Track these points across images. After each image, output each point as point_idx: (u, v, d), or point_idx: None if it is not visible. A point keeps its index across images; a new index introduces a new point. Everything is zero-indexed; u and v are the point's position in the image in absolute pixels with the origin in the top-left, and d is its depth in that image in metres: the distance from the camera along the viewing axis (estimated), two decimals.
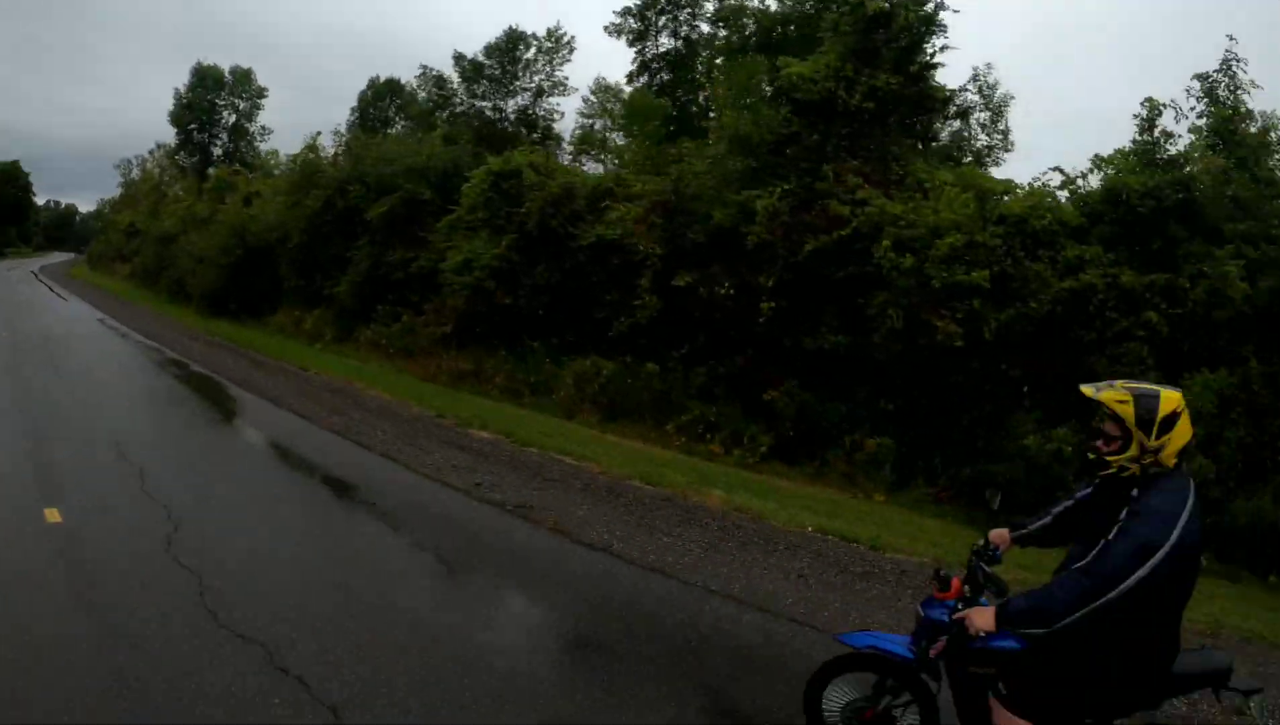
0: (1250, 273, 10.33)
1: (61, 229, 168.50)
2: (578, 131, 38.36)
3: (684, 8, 32.43)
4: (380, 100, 58.00)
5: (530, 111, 43.38)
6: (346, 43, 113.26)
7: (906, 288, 11.26)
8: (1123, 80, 63.38)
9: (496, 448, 10.04)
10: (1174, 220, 11.16)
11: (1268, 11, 40.31)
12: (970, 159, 20.99)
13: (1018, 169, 34.03)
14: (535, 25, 60.86)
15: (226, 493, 7.77)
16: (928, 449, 11.39)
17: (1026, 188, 12.77)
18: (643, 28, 33.93)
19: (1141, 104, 13.35)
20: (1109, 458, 2.78)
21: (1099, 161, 13.39)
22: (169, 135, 55.26)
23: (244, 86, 52.31)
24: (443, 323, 16.35)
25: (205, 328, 22.27)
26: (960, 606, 3.07)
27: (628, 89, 33.63)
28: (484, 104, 49.60)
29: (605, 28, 34.41)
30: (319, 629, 4.74)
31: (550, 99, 49.40)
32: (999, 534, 3.42)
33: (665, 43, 33.26)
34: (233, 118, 52.49)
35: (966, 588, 3.16)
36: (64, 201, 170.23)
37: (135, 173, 75.20)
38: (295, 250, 23.40)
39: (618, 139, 30.96)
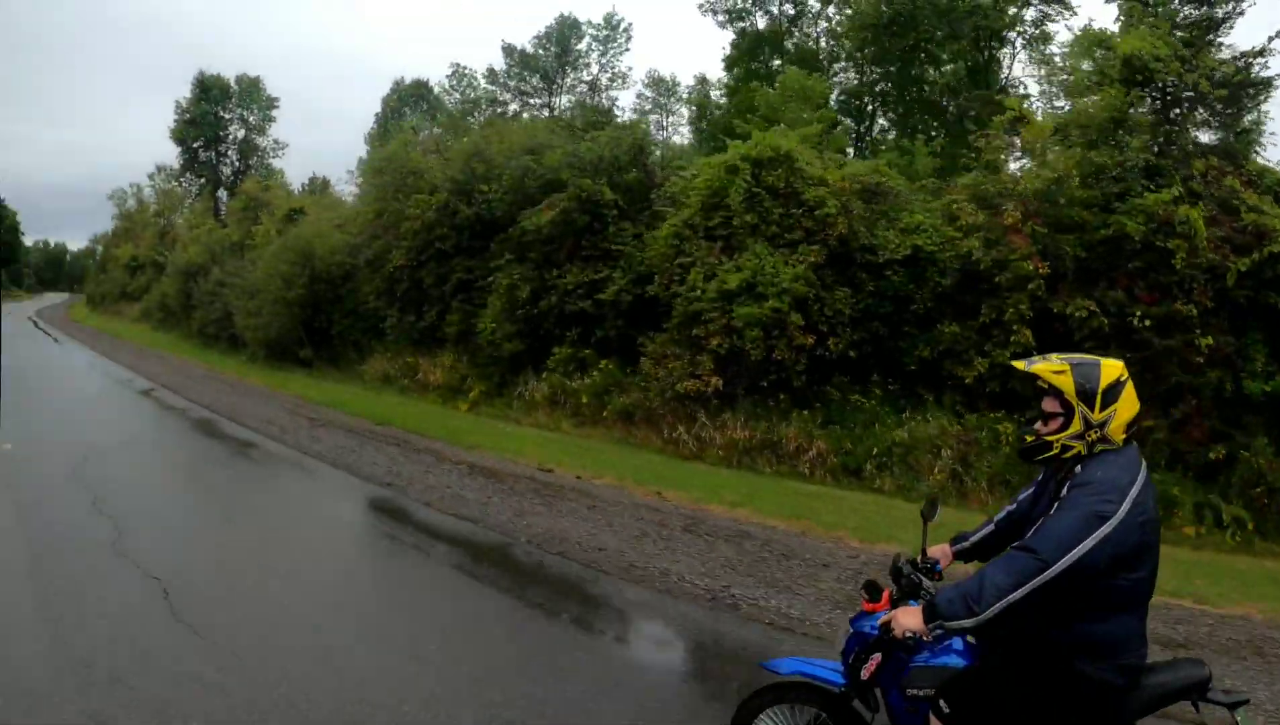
0: None
1: (53, 269, 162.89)
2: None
3: None
4: (404, 106, 52.81)
5: (589, 105, 38.31)
6: (340, 59, 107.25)
7: None
8: None
9: None
10: None
11: None
12: None
13: None
14: (587, 11, 55.34)
15: None
16: None
17: None
18: (743, 6, 29.46)
19: None
20: (1049, 438, 2.53)
21: None
22: (158, 164, 49.80)
23: (252, 97, 46.48)
24: (697, 372, 10.76)
25: (293, 389, 16.76)
26: None
27: (722, 75, 30.88)
28: (535, 101, 44.29)
29: (699, 6, 30.35)
30: None
31: (610, 92, 44.43)
32: (939, 549, 3.04)
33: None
34: (241, 132, 46.61)
35: (897, 596, 2.81)
36: (53, 241, 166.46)
37: (131, 203, 69.57)
38: (394, 276, 17.83)
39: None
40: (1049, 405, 2.52)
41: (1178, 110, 11.30)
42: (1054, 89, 16.43)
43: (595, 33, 44.95)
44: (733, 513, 8.01)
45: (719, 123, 26.13)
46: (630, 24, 42.84)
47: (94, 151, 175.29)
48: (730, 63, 29.81)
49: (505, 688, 4.27)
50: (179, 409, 14.04)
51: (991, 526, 2.97)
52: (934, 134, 22.71)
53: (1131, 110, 10.76)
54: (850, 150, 22.50)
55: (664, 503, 8.33)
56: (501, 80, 45.54)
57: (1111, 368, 2.48)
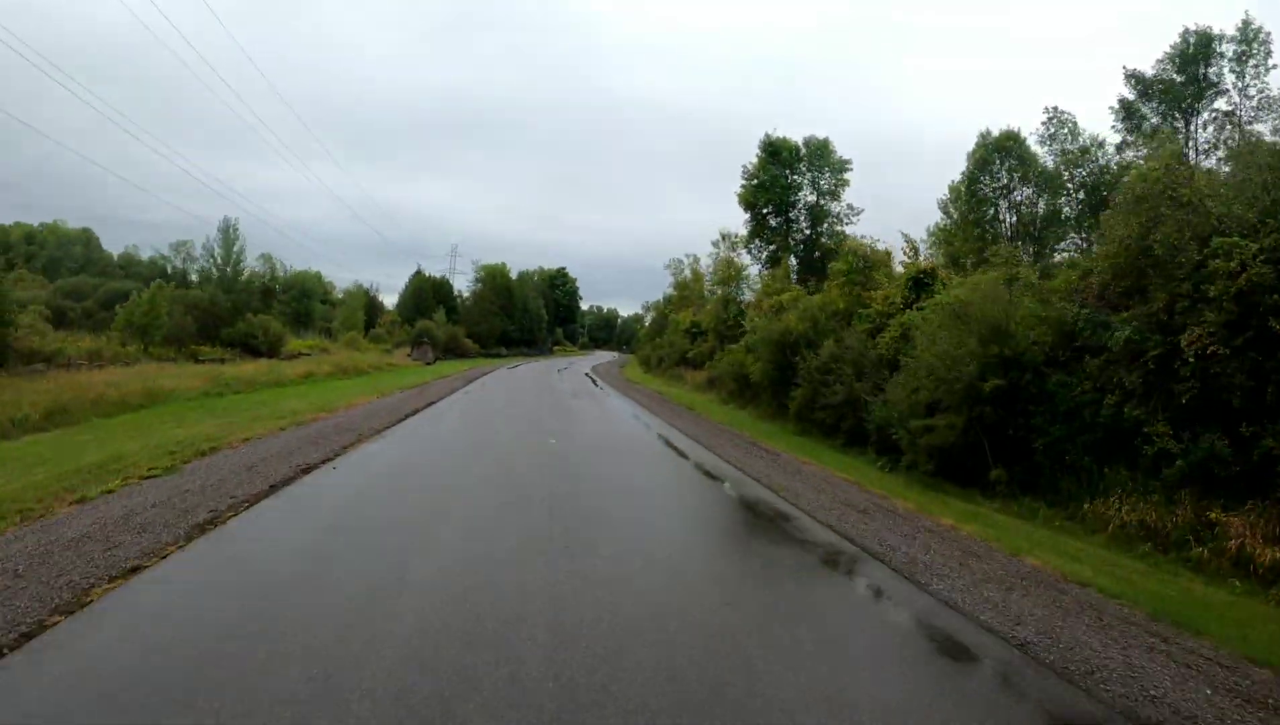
0: None
1: (605, 330, 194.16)
2: None
3: None
4: (990, 160, 45.82)
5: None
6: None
7: None
8: None
9: None
10: None
11: None
12: None
13: None
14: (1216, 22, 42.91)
15: None
16: None
17: None
18: None
19: None
20: None
21: None
22: (722, 231, 49.94)
23: (823, 159, 43.78)
24: None
25: (981, 530, 10.13)
26: None
27: None
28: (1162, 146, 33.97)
29: None
30: None
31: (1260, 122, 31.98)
32: None
33: None
34: (812, 196, 44.12)
35: None
36: (605, 306, 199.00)
37: (686, 272, 74.48)
38: (1165, 366, 10.41)
39: None
40: None
41: None
42: None
43: (1228, 50, 33.02)
44: None
45: None
46: (1269, 33, 29.96)
47: (640, 231, 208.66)
48: None
49: None
50: (900, 598, 8.18)
51: None
52: None
53: None
54: None
55: None
56: (1123, 115, 35.69)
57: None
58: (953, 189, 49.72)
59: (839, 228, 43.27)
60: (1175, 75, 35.41)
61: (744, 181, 44.29)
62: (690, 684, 5.00)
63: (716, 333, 46.93)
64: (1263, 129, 30.36)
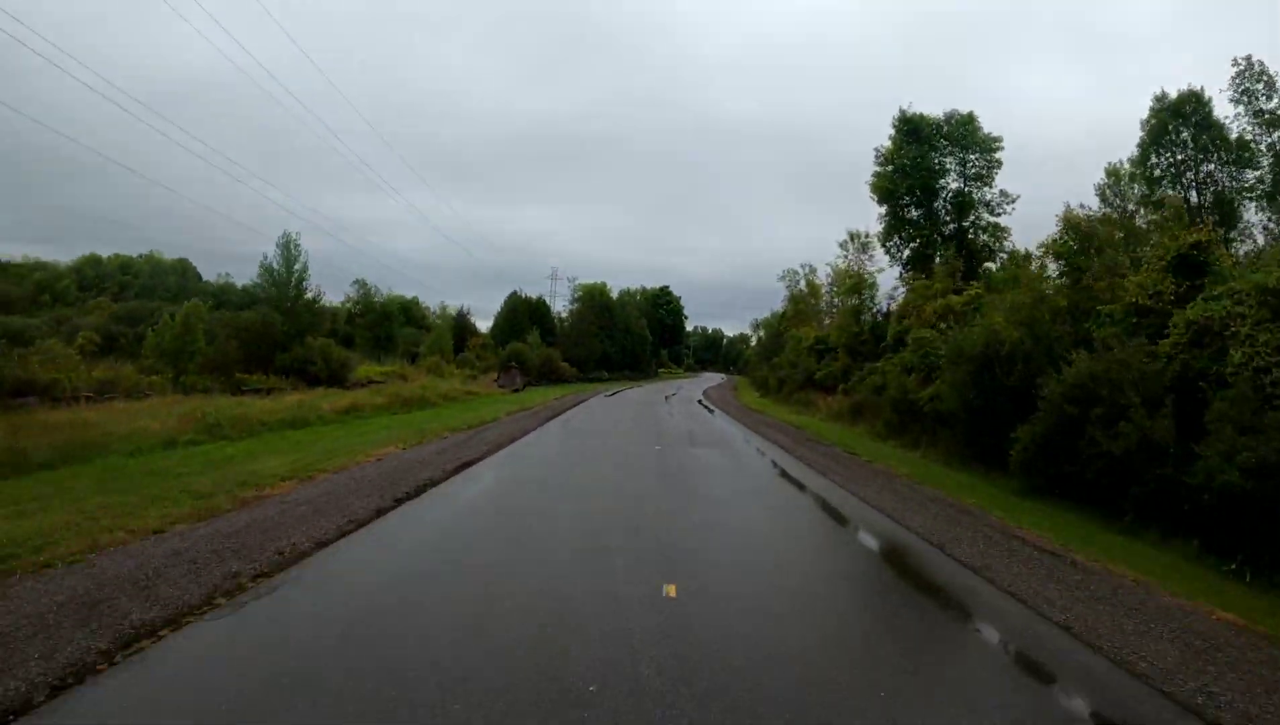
0: None
1: (709, 351, 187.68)
2: None
3: None
4: (1169, 126, 36.98)
5: None
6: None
7: None
8: None
9: None
10: None
11: None
12: None
13: None
14: None
15: None
16: None
17: None
18: None
19: None
20: None
21: None
22: (850, 231, 42.21)
23: (968, 137, 35.70)
24: None
25: None
26: None
27: None
28: None
29: None
30: None
31: None
32: None
33: None
34: (955, 184, 36.12)
35: None
36: (710, 327, 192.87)
37: (801, 284, 66.94)
38: None
39: None
40: None
41: None
42: None
43: None
44: None
45: None
46: None
47: (742, 251, 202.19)
48: None
49: None
50: None
51: None
52: None
53: None
54: None
55: None
56: None
57: None
58: (1111, 172, 40.66)
59: (989, 219, 35.13)
60: None
61: (877, 167, 36.73)
62: None
63: (848, 349, 39.40)
64: None
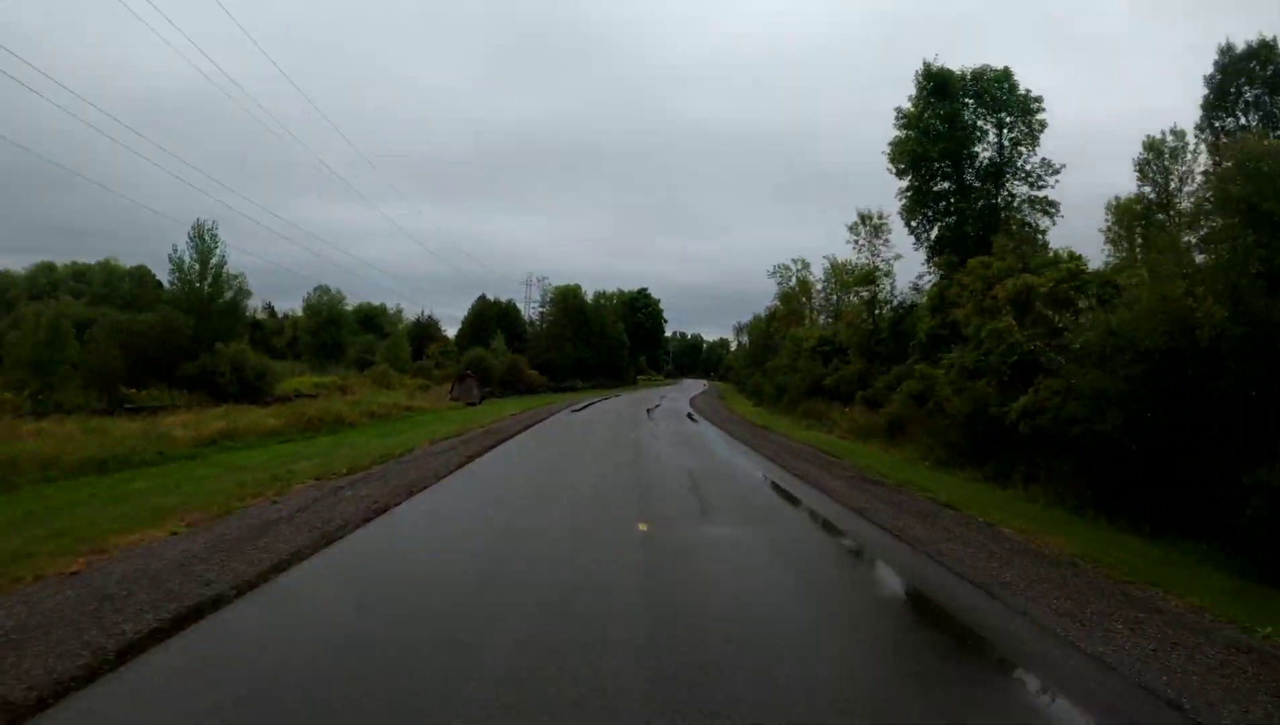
0: None
1: (689, 356, 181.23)
2: None
3: None
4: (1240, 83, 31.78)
5: None
6: None
7: None
8: None
9: None
10: None
11: None
12: None
13: None
14: None
15: None
16: None
17: None
18: None
19: None
20: None
21: None
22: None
23: (1002, 96, 29.79)
24: None
25: None
26: None
27: None
28: None
29: None
30: None
31: None
32: None
33: None
34: (987, 153, 30.21)
35: None
36: (689, 332, 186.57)
37: (793, 282, 61.14)
38: None
39: None
40: None
41: None
42: None
43: None
44: None
45: None
46: None
47: (719, 256, 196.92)
48: None
49: None
50: None
51: None
52: None
53: None
54: None
55: None
56: None
57: None
58: (1150, 145, 35.12)
59: (1042, 190, 29.24)
60: None
61: (898, 130, 30.74)
62: None
63: (862, 350, 33.37)
64: None
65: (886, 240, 35.36)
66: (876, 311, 34.31)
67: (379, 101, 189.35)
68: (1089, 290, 16.41)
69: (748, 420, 33.78)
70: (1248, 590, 8.19)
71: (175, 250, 37.53)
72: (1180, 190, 34.17)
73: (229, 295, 37.45)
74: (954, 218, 29.15)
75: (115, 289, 68.71)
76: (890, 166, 30.88)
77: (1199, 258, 13.44)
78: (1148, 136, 35.00)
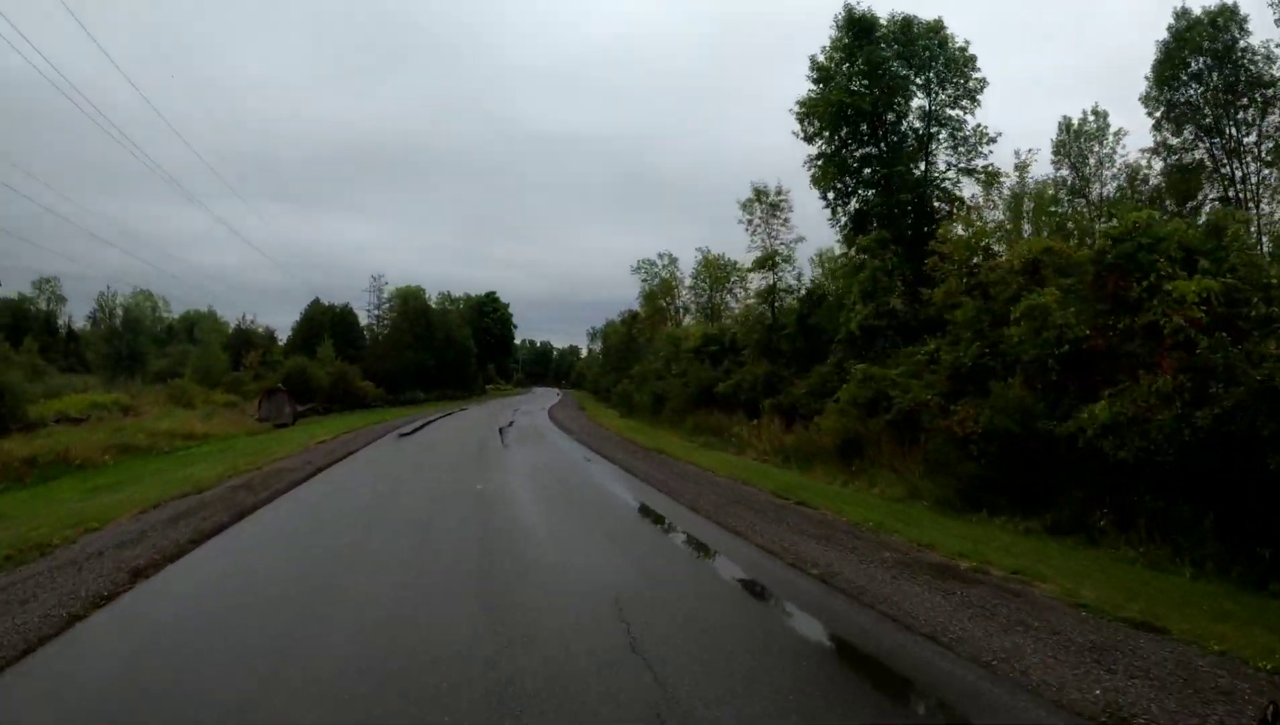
0: None
1: (541, 364, 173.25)
2: None
3: None
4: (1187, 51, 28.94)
5: None
6: None
7: None
8: None
9: None
10: None
11: None
12: None
13: None
14: None
15: None
16: None
17: None
18: None
19: None
20: None
21: None
22: (755, 186, 30.73)
23: (930, 48, 24.94)
24: None
25: None
26: None
27: None
28: None
29: None
30: None
31: None
32: None
33: None
34: (916, 115, 25.31)
35: None
36: (538, 340, 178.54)
37: (656, 281, 55.60)
38: None
39: None
40: None
41: None
42: None
43: None
44: None
45: None
46: None
47: (565, 264, 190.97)
48: None
49: None
50: None
51: None
52: None
53: None
54: None
55: None
56: None
57: None
58: (1067, 126, 32.01)
59: (980, 161, 24.67)
60: None
61: (813, 82, 25.38)
62: None
63: (762, 348, 27.71)
64: None
65: (786, 220, 29.94)
66: (776, 303, 28.84)
67: (214, 96, 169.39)
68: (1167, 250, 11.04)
69: (626, 438, 27.18)
70: None
71: None
72: (1099, 173, 31.08)
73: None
74: (878, 190, 23.97)
75: None
76: (800, 130, 25.47)
77: None
78: (1064, 117, 31.83)
